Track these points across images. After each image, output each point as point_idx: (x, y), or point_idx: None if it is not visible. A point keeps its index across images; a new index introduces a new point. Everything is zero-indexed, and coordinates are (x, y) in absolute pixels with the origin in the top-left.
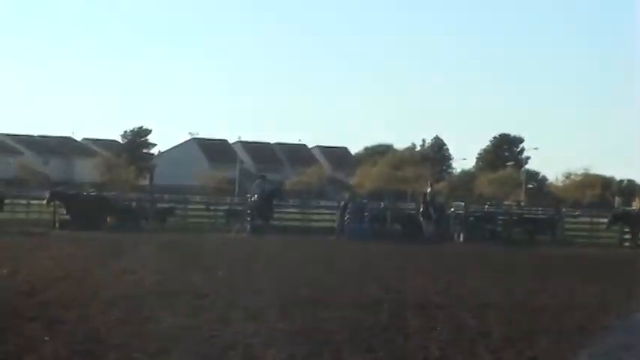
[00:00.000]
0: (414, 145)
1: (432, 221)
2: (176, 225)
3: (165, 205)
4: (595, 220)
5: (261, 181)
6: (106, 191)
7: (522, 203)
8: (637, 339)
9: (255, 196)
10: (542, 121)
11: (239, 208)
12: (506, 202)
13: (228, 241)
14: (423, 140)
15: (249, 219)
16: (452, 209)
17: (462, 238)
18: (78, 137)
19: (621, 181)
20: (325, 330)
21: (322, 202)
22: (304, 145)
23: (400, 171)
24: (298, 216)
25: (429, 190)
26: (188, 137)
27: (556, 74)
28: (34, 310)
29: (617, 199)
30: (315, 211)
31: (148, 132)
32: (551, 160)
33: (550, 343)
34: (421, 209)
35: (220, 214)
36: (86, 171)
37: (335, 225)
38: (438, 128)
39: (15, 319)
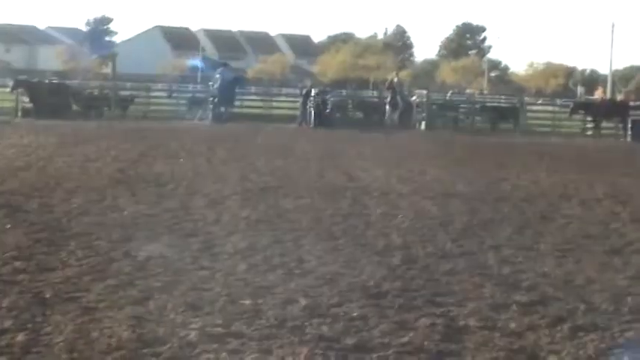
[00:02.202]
0: (376, 34)
1: (397, 110)
2: (138, 113)
3: (126, 93)
4: (557, 109)
5: (224, 69)
6: (69, 79)
7: (485, 92)
8: None
9: (218, 83)
10: (505, 10)
11: (201, 95)
12: (468, 91)
13: (190, 129)
14: (386, 29)
15: (211, 106)
16: (414, 97)
17: (423, 126)
18: (41, 26)
19: (584, 70)
20: (287, 218)
21: (284, 90)
22: (267, 33)
23: (362, 59)
24: (260, 104)
25: (395, 79)
26: (151, 25)
27: None
28: None
29: (580, 89)
30: (276, 99)
31: (110, 20)
32: (515, 50)
33: (512, 232)
34: (388, 98)
35: (183, 102)
36: (49, 59)
37: (297, 113)
38: (401, 17)
39: None
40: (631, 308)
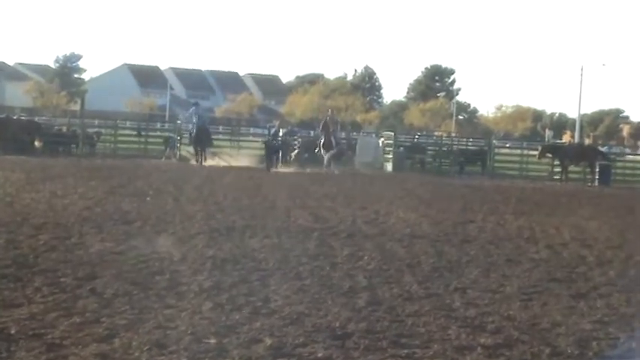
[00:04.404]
0: (345, 75)
1: (331, 151)
2: (106, 150)
3: (94, 130)
4: (525, 152)
5: (196, 108)
6: (37, 116)
7: (453, 134)
8: None
9: (193, 123)
10: (474, 53)
11: (171, 134)
12: (436, 133)
13: (158, 167)
14: (355, 70)
15: (177, 145)
16: (382, 139)
17: (390, 168)
18: (10, 62)
19: (553, 114)
20: (253, 257)
21: (252, 130)
22: (235, 72)
23: (331, 100)
24: (227, 143)
25: (328, 117)
26: (120, 63)
27: (489, 4)
28: None
29: (548, 132)
30: (244, 138)
31: (79, 57)
32: (483, 92)
33: (478, 275)
34: (322, 139)
35: (151, 140)
36: (18, 95)
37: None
38: (370, 58)
39: None
40: (596, 352)
